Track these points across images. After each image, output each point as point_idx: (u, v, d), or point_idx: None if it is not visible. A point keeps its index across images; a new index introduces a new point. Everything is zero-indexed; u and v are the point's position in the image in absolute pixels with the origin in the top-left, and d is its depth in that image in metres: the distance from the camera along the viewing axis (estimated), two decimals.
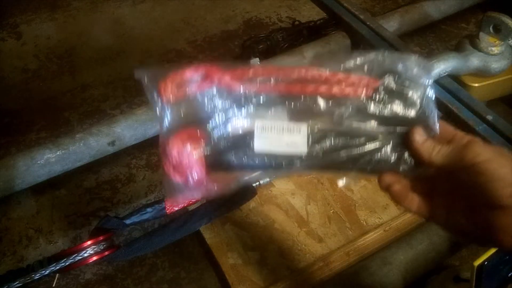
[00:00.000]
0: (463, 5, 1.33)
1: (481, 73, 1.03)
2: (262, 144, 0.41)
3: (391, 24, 1.21)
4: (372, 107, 0.41)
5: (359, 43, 1.15)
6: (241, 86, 0.41)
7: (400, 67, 0.42)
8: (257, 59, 1.02)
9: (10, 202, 0.97)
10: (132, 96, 1.22)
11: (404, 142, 0.41)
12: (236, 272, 0.81)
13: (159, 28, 1.44)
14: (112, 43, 1.39)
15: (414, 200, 0.42)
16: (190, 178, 0.40)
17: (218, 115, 0.41)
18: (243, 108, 0.41)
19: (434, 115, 0.42)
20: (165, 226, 0.77)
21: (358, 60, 0.42)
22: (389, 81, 0.42)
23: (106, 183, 1.02)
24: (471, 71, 1.03)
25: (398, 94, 0.42)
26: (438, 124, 0.42)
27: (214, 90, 0.41)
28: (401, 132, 0.41)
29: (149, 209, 0.75)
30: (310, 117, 0.41)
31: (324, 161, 0.41)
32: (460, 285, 0.75)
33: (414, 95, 0.41)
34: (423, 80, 0.42)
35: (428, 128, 0.41)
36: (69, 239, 0.92)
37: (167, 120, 0.41)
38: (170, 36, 1.41)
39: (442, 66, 0.97)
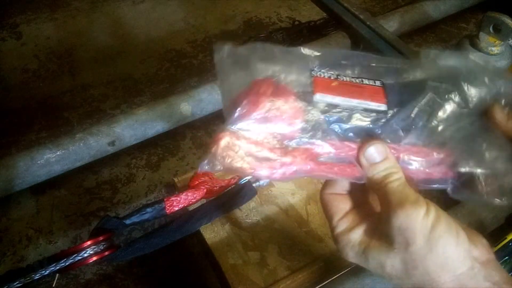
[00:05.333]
0: (463, 5, 1.33)
1: None
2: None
3: (391, 24, 1.21)
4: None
5: (359, 43, 1.15)
6: None
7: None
8: None
9: (10, 202, 0.97)
10: (132, 96, 1.22)
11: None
12: (236, 272, 0.81)
13: (159, 28, 1.44)
14: (112, 43, 1.39)
15: None
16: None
17: None
18: None
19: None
20: (165, 226, 0.77)
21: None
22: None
23: (106, 183, 1.02)
24: None
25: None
26: None
27: None
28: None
29: (149, 209, 0.75)
30: None
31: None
32: None
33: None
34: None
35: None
36: (69, 239, 0.92)
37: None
38: (170, 36, 1.41)
39: None
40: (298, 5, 1.52)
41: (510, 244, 0.63)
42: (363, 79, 0.40)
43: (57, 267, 0.67)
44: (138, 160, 1.06)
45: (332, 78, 0.39)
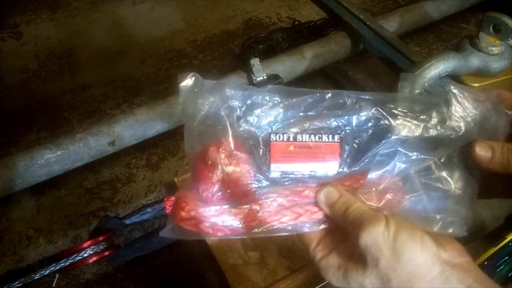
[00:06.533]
0: (463, 5, 1.33)
1: (481, 73, 1.03)
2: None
3: (391, 24, 1.21)
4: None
5: (359, 43, 1.15)
6: None
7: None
8: (257, 59, 1.02)
9: (10, 202, 0.97)
10: (132, 96, 1.22)
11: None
12: (236, 272, 0.81)
13: (159, 28, 1.44)
14: (112, 43, 1.39)
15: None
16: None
17: None
18: None
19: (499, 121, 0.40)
20: (165, 226, 0.77)
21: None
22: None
23: (106, 183, 1.02)
24: (471, 71, 1.03)
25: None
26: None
27: None
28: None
29: (149, 209, 0.75)
30: None
31: None
32: None
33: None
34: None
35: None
36: (69, 239, 0.92)
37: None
38: (170, 36, 1.41)
39: (442, 66, 0.97)
40: (298, 5, 1.52)
41: (510, 244, 0.63)
42: (322, 136, 0.41)
43: (57, 267, 0.67)
44: (138, 160, 1.06)
45: (290, 140, 0.41)
